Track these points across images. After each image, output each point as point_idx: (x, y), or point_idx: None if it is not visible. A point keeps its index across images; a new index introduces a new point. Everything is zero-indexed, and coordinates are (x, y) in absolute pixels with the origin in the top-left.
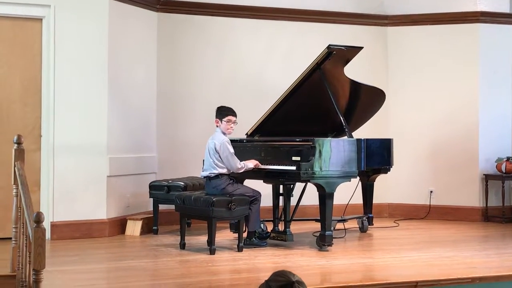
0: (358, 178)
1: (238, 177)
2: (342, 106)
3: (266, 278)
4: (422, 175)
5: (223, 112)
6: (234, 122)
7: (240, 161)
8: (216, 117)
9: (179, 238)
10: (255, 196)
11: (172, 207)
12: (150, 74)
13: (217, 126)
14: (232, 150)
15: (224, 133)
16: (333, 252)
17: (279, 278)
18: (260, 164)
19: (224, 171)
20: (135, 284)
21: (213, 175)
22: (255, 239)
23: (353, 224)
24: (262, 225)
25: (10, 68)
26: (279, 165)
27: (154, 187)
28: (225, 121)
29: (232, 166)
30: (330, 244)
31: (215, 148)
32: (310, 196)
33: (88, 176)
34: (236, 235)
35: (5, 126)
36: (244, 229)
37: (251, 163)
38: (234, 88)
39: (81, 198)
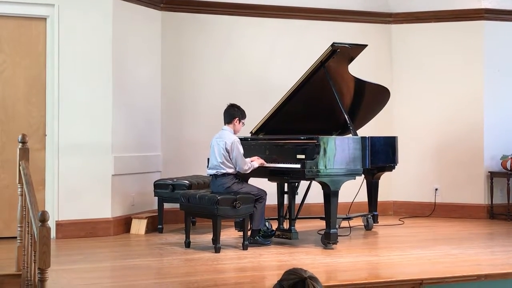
0: (363, 176)
1: (243, 176)
2: (346, 104)
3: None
4: (427, 172)
5: (244, 113)
6: None
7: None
8: (236, 115)
9: (184, 236)
10: (261, 195)
11: (177, 205)
12: (154, 72)
13: (228, 124)
14: (242, 151)
15: (233, 132)
16: (338, 250)
17: (291, 276)
18: (265, 163)
19: (231, 170)
20: (140, 283)
21: (219, 173)
22: (259, 238)
23: (358, 222)
24: (267, 223)
25: (14, 67)
26: (283, 163)
27: (158, 186)
28: (243, 122)
29: (240, 167)
30: (335, 242)
31: (225, 147)
32: (315, 194)
33: (93, 175)
34: (241, 233)
35: (10, 125)
36: (248, 227)
37: (256, 163)
38: (239, 86)
39: (86, 197)
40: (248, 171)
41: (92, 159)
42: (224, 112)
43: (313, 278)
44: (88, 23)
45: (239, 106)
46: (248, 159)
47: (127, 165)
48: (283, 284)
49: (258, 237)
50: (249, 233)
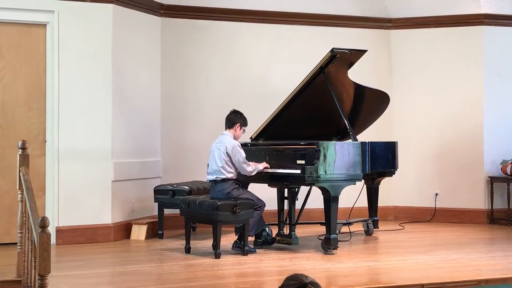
0: (363, 181)
1: (243, 181)
2: (346, 109)
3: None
4: (427, 177)
5: (246, 120)
6: None
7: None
8: (237, 121)
9: (184, 242)
10: (259, 205)
11: (177, 211)
12: (154, 78)
13: (229, 129)
14: (244, 155)
15: (233, 138)
16: (339, 256)
17: (291, 282)
18: (269, 166)
19: (231, 175)
20: None
21: (219, 179)
22: (248, 246)
23: (358, 227)
24: (267, 229)
25: (15, 74)
26: (283, 168)
27: (159, 192)
28: (244, 129)
29: (244, 169)
30: (336, 248)
31: (226, 152)
32: (315, 200)
33: (93, 181)
34: None
35: (10, 131)
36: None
37: (261, 166)
38: (238, 92)
39: (86, 203)
40: (253, 173)
41: (92, 165)
42: (226, 117)
43: (314, 284)
44: (88, 29)
45: (241, 113)
46: (251, 163)
47: (127, 171)
48: None
49: (247, 246)
50: (251, 238)
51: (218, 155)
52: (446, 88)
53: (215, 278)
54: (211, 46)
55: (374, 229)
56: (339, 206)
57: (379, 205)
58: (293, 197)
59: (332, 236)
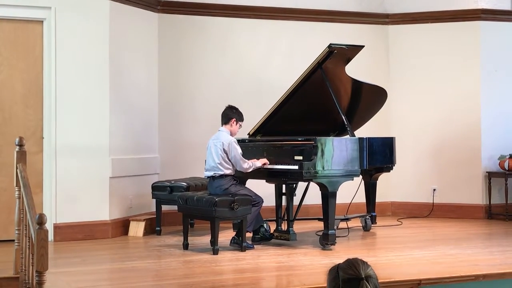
0: (360, 177)
1: (241, 177)
2: (344, 105)
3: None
4: (425, 173)
5: (242, 115)
6: None
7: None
8: (233, 117)
9: (182, 238)
10: (257, 201)
11: (175, 207)
12: (151, 74)
13: (225, 125)
14: (240, 151)
15: (229, 134)
16: (337, 251)
17: (349, 271)
18: (268, 163)
19: (229, 171)
20: (138, 285)
21: (217, 175)
22: (246, 242)
23: (356, 223)
24: (265, 225)
25: (11, 70)
26: (281, 164)
27: (156, 188)
28: (240, 124)
29: (240, 166)
30: (333, 243)
31: (223, 148)
32: (313, 195)
33: (91, 178)
34: None
35: (7, 128)
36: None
37: (259, 162)
38: (236, 88)
39: (84, 200)
40: (249, 170)
41: (90, 162)
42: (222, 113)
43: (369, 278)
44: (85, 25)
45: (237, 108)
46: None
47: (125, 167)
48: (339, 273)
49: (245, 242)
50: (249, 234)
51: (215, 151)
52: (444, 83)
53: (213, 274)
54: (208, 42)
55: (372, 225)
56: (337, 201)
57: (377, 200)
58: (291, 193)
59: (330, 231)
